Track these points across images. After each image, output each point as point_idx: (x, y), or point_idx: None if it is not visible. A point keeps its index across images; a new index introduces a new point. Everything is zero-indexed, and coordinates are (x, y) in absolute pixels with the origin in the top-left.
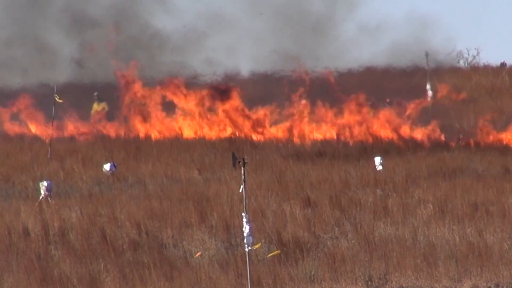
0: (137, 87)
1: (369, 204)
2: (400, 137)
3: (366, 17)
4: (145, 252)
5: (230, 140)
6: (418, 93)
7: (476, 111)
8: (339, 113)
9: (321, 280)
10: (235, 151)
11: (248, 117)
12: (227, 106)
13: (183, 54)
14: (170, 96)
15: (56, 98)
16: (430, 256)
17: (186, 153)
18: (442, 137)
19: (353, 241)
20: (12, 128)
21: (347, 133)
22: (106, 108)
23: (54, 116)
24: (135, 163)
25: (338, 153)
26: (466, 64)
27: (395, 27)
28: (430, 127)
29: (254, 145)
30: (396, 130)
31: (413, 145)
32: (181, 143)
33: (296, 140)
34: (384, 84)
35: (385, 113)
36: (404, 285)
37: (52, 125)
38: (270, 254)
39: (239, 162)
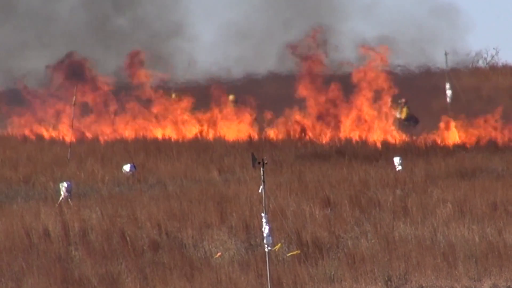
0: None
1: (388, 204)
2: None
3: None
4: (166, 253)
5: (250, 141)
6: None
7: (495, 110)
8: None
9: (341, 280)
10: (254, 151)
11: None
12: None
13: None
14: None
15: (74, 99)
16: (449, 255)
17: (206, 154)
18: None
19: (372, 241)
20: (32, 129)
21: (366, 133)
22: None
23: (74, 117)
24: (154, 164)
25: (357, 153)
26: (485, 64)
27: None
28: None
29: (273, 145)
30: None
31: (432, 145)
32: (201, 144)
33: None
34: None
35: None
36: (424, 285)
37: (72, 127)
38: (290, 254)
39: (259, 162)
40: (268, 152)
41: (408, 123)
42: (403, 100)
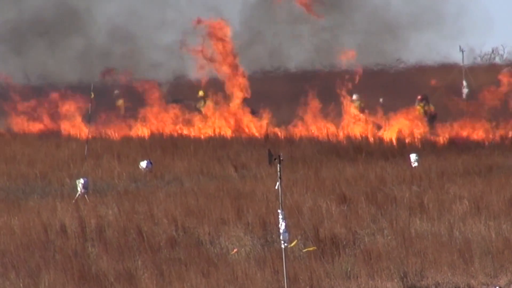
0: None
1: (405, 200)
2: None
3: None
4: (182, 249)
5: (266, 137)
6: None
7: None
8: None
9: (357, 277)
10: (271, 148)
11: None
12: None
13: None
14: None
15: (92, 95)
16: (466, 252)
17: (222, 150)
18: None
19: (389, 237)
20: (48, 125)
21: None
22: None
23: (91, 113)
24: (171, 160)
25: (373, 150)
26: (502, 61)
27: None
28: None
29: (290, 141)
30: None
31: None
32: (217, 141)
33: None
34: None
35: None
36: (440, 282)
37: (89, 123)
38: (306, 250)
39: (275, 159)
40: (285, 149)
41: (427, 119)
42: (419, 97)
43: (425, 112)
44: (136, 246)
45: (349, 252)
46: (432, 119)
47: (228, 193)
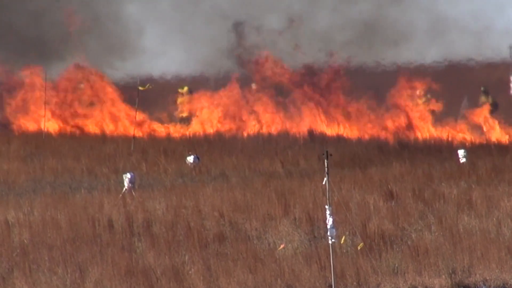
0: None
1: (452, 196)
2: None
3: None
4: (230, 244)
5: (311, 134)
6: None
7: None
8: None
9: (404, 273)
10: (319, 144)
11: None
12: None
13: None
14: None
15: (140, 88)
16: None
17: (269, 146)
18: None
19: (436, 234)
20: (94, 119)
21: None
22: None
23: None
24: (218, 156)
25: (420, 146)
26: None
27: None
28: None
29: (338, 138)
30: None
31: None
32: (264, 137)
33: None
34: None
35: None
36: (488, 278)
37: (136, 117)
38: (360, 246)
39: (323, 154)
40: (332, 145)
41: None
42: (482, 88)
43: (490, 103)
44: (183, 241)
45: (396, 248)
46: (494, 108)
47: (275, 188)
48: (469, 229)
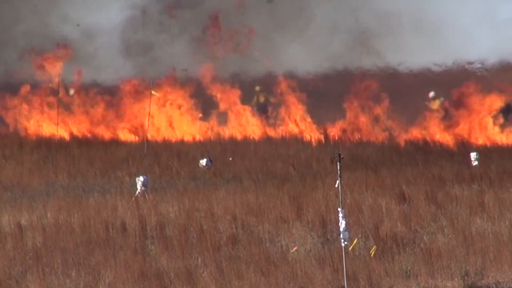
0: None
1: (465, 199)
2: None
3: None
4: (242, 247)
5: (325, 137)
6: None
7: None
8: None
9: (417, 276)
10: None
11: None
12: None
13: None
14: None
15: (153, 92)
16: None
17: (282, 149)
18: None
19: (449, 236)
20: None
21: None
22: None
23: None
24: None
25: (431, 149)
26: None
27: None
28: None
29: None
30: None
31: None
32: (277, 140)
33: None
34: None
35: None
36: (500, 281)
37: (148, 121)
38: (372, 252)
39: (335, 157)
40: (345, 148)
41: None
42: None
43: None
44: (196, 244)
45: (409, 250)
46: (507, 111)
47: (288, 191)
48: (481, 232)
